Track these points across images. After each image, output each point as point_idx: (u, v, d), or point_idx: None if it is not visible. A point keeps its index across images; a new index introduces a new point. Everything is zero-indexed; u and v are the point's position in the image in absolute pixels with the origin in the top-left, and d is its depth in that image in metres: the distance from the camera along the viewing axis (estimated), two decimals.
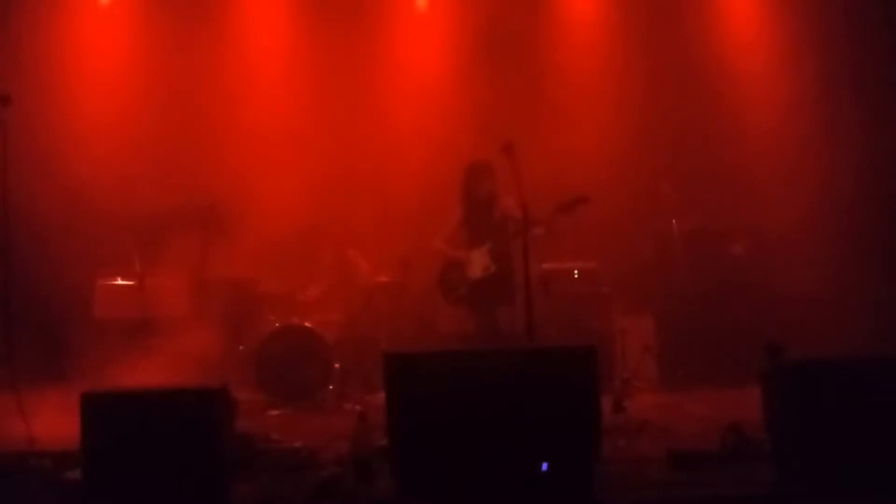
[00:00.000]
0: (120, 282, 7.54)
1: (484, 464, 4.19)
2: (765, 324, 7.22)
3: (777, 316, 7.42)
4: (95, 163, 7.95)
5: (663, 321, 7.85)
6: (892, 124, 8.08)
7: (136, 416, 4.26)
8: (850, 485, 4.19)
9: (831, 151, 8.02)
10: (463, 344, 7.06)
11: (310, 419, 6.68)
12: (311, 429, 5.97)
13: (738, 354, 7.13)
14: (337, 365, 7.22)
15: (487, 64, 8.41)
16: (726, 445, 4.88)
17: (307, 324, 7.25)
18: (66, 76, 8.20)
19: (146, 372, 6.54)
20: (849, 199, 7.93)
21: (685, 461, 4.74)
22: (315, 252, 7.74)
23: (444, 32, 8.66)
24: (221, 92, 8.30)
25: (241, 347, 7.36)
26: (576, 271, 7.82)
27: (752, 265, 7.98)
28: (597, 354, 4.39)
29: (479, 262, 6.87)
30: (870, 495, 4.16)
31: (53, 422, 5.17)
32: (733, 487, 4.41)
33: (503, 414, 4.22)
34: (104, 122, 8.16)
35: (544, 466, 4.18)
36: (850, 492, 4.18)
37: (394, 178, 8.26)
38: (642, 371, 7.60)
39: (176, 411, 4.26)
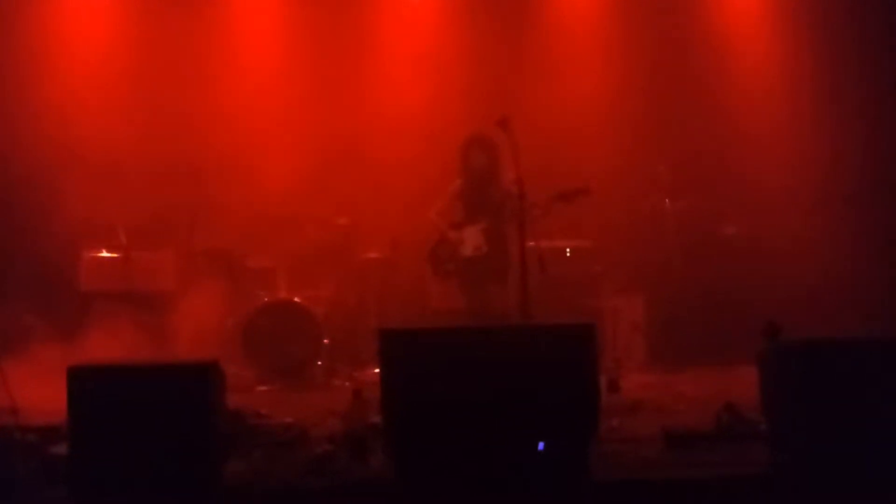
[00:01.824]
0: (105, 254, 7.45)
1: (480, 442, 4.14)
2: (756, 304, 7.20)
3: (768, 296, 7.41)
4: (80, 135, 7.78)
5: (653, 300, 7.83)
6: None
7: (125, 390, 4.14)
8: (846, 466, 4.17)
9: (828, 132, 8.01)
10: (453, 321, 7.00)
11: (298, 395, 6.62)
12: (300, 405, 5.91)
13: (728, 335, 7.12)
14: (326, 340, 7.15)
15: (486, 38, 8.31)
16: (721, 425, 4.86)
17: (296, 299, 7.17)
18: (52, 42, 8.01)
19: (132, 345, 6.46)
20: (844, 178, 7.93)
21: (680, 441, 4.71)
22: (300, 225, 7.64)
23: (441, 3, 8.53)
24: (212, 63, 8.15)
25: (228, 321, 7.27)
26: (568, 250, 7.78)
27: (745, 245, 7.97)
28: (596, 332, 4.35)
29: (471, 241, 6.78)
30: (866, 477, 4.15)
31: (39, 395, 5.08)
32: (728, 467, 4.38)
33: (500, 392, 4.16)
34: (89, 92, 7.97)
35: (541, 446, 4.13)
36: (846, 473, 4.16)
37: (385, 154, 8.15)
38: (632, 350, 7.59)
39: (166, 386, 4.15)
